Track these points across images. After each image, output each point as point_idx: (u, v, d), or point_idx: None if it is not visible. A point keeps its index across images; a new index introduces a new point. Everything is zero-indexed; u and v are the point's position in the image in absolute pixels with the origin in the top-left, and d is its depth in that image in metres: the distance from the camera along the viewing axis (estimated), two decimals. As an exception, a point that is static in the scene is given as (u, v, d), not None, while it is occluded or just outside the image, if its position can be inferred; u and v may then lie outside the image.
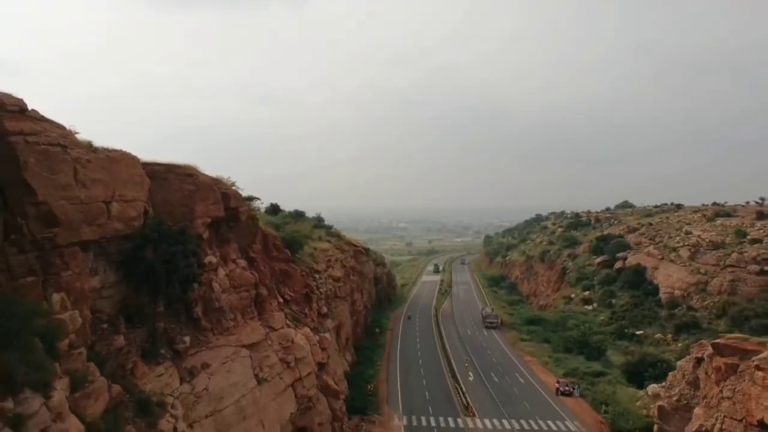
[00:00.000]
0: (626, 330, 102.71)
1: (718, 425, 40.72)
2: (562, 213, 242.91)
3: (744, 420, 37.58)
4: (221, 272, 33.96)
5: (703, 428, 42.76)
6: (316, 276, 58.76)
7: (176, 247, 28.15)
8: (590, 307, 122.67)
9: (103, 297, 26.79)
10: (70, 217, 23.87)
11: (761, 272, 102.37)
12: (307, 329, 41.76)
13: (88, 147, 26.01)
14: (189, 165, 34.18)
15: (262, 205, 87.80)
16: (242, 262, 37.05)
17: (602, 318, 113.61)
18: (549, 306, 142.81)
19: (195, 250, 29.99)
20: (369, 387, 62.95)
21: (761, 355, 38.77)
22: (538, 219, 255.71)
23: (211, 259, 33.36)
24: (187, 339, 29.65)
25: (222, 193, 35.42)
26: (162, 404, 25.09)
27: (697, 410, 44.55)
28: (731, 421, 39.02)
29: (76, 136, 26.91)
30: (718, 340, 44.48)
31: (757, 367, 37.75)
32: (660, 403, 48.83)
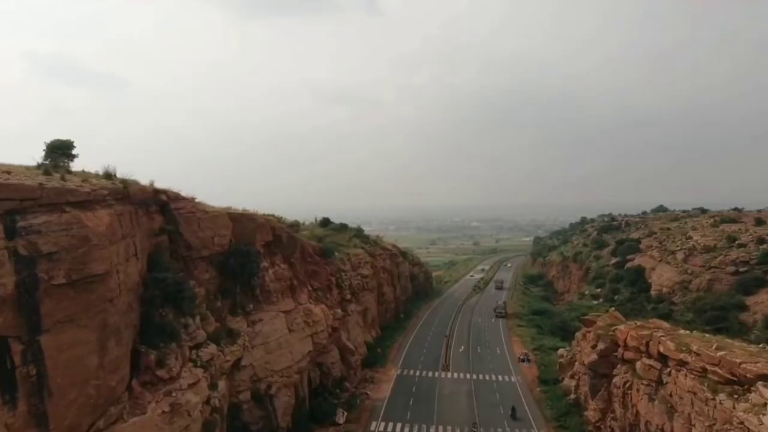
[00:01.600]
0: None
1: (577, 370, 64.67)
2: (609, 215, 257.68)
3: (583, 363, 61.44)
4: (270, 271, 61.65)
5: (572, 373, 66.70)
6: (342, 274, 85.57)
7: (245, 258, 56.10)
8: (596, 302, 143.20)
9: (211, 283, 54.88)
10: (197, 245, 52.09)
11: (735, 272, 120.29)
12: (324, 306, 68.82)
13: (203, 211, 54.20)
14: (253, 212, 62.47)
15: (319, 216, 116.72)
16: (283, 266, 64.58)
17: (602, 310, 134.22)
18: (571, 301, 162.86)
19: (255, 259, 57.83)
20: (378, 350, 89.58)
21: (596, 325, 62.46)
22: (582, 222, 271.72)
23: (264, 264, 61.10)
24: (251, 306, 57.56)
25: (271, 226, 63.22)
26: (238, 334, 52.91)
27: (576, 363, 68.15)
28: (579, 366, 63.02)
29: (197, 199, 55.83)
30: (584, 317, 67.83)
31: (589, 331, 61.66)
32: (560, 360, 72.48)
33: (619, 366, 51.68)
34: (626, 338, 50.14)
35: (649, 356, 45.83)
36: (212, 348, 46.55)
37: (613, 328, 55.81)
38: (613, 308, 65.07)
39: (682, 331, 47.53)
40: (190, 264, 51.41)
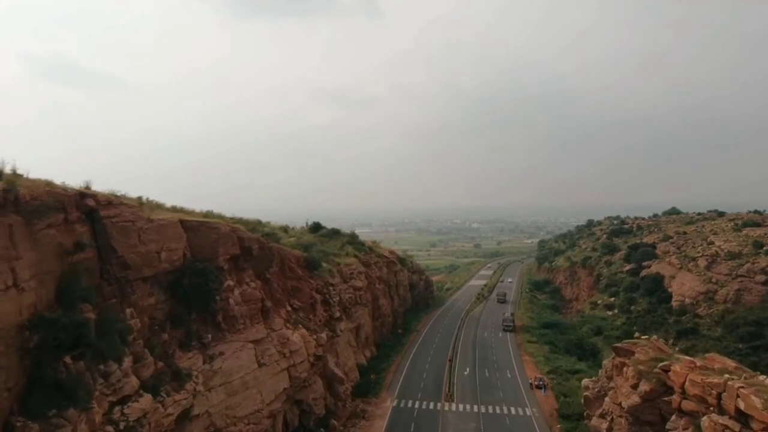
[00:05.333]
0: (634, 335, 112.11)
1: (609, 409, 53.52)
2: (618, 217, 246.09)
3: (620, 404, 50.33)
4: (236, 291, 50.53)
5: (603, 412, 55.55)
6: (330, 288, 74.42)
7: (202, 277, 45.02)
8: (611, 313, 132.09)
9: (157, 309, 43.84)
10: (136, 263, 41.01)
11: (766, 282, 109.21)
12: (304, 330, 57.67)
13: (147, 219, 43.13)
14: (216, 220, 51.39)
15: (311, 220, 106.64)
16: (253, 284, 53.44)
17: (618, 323, 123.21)
18: (582, 310, 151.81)
19: (215, 278, 46.74)
20: (372, 376, 78.23)
21: (634, 357, 51.33)
22: (589, 224, 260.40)
23: (229, 283, 49.99)
24: (210, 336, 46.44)
25: (238, 237, 52.09)
26: (189, 375, 41.82)
27: (606, 398, 57.02)
28: (613, 405, 51.85)
29: (145, 198, 45.37)
30: (617, 344, 56.72)
31: (626, 364, 50.51)
32: (586, 393, 61.24)
33: (674, 418, 40.44)
34: (684, 382, 39.05)
35: (722, 411, 34.74)
36: (145, 400, 35.49)
37: (661, 364, 44.67)
38: (655, 337, 54.30)
39: (762, 378, 36.33)
40: (126, 287, 40.38)
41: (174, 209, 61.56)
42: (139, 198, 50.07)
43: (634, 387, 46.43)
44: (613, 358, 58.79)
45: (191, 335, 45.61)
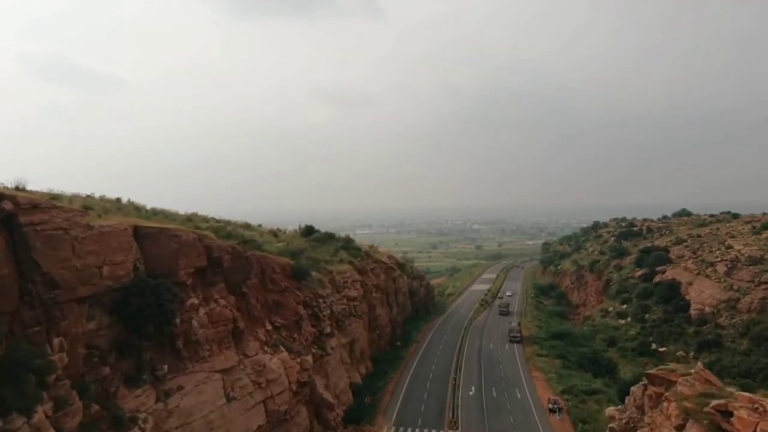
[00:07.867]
0: (651, 346, 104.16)
1: (643, 448, 45.31)
2: (624, 219, 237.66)
3: (657, 445, 42.19)
4: (201, 311, 42.54)
5: (633, 450, 47.33)
6: (320, 300, 66.45)
7: (153, 297, 37.01)
8: (623, 321, 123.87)
9: (100, 335, 35.88)
10: (68, 281, 33.02)
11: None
12: (285, 354, 49.68)
13: (86, 226, 35.17)
14: (177, 227, 43.41)
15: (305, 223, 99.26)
16: (223, 301, 45.43)
17: (632, 333, 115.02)
18: (591, 317, 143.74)
19: (171, 297, 38.76)
20: (366, 399, 70.06)
21: (675, 388, 43.20)
22: (595, 226, 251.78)
23: (193, 301, 42.05)
24: (165, 367, 38.46)
25: (205, 246, 44.13)
26: (134, 419, 33.88)
27: (638, 434, 48.85)
28: (648, 444, 43.65)
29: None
30: (651, 371, 48.60)
31: (666, 398, 42.37)
32: (611, 425, 53.06)
33: (739, 476, 32.38)
34: (754, 433, 30.96)
35: (812, 478, 26.69)
36: (65, 462, 27.49)
37: (714, 403, 36.51)
38: (700, 364, 46.32)
39: None
40: (54, 312, 32.35)
41: (154, 211, 54.37)
42: (117, 199, 42.72)
43: (679, 429, 38.30)
44: (645, 386, 50.83)
45: (142, 367, 37.67)
